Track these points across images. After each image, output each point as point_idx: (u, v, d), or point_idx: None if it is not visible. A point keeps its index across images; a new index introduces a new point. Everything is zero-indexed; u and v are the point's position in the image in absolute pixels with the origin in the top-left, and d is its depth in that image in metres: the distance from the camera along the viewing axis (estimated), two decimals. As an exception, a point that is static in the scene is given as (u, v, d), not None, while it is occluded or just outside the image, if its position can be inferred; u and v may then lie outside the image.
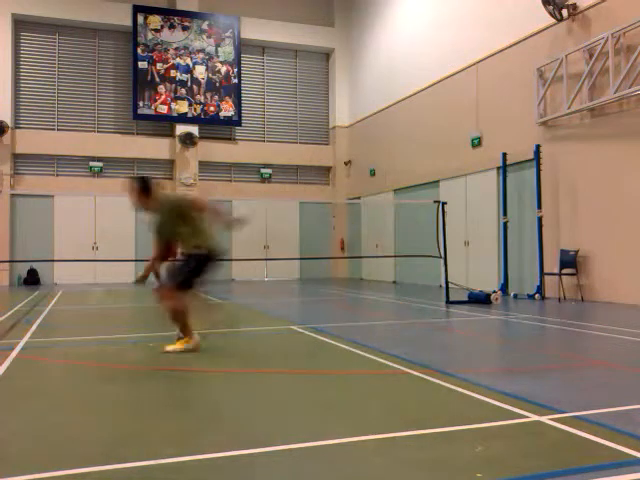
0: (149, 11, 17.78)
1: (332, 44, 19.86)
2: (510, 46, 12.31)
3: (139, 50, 17.68)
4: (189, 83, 18.19)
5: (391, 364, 4.80)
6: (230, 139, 19.08)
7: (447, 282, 10.27)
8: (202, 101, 18.26)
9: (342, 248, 19.71)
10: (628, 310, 8.95)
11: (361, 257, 18.39)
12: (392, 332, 7.17)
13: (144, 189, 5.33)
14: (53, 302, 10.89)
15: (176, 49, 18.10)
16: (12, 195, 16.39)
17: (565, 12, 10.75)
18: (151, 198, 5.34)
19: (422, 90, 15.43)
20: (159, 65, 17.88)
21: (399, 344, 5.97)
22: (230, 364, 5.11)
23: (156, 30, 17.87)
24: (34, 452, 2.79)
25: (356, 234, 19.05)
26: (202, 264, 5.30)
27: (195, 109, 18.17)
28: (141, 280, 5.56)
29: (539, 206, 11.19)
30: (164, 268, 5.52)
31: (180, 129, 17.96)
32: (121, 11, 17.56)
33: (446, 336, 6.85)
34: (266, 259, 18.66)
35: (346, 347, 5.66)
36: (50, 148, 17.20)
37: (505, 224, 11.88)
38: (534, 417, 3.23)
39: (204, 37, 18.37)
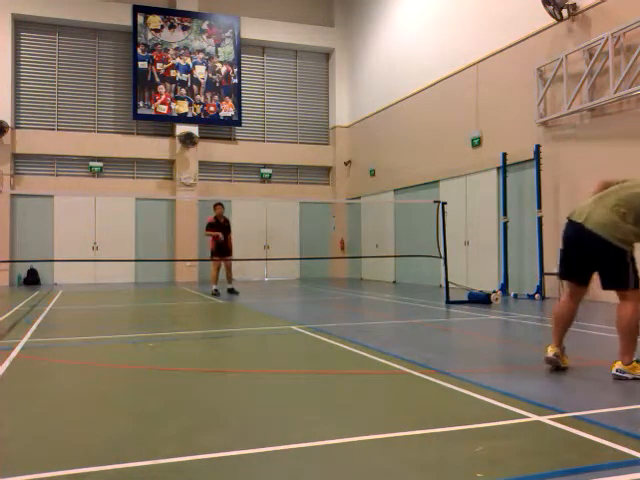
0: (149, 11, 17.78)
1: (332, 44, 19.86)
2: (510, 46, 12.31)
3: (139, 50, 17.68)
4: (189, 83, 18.19)
5: (391, 364, 4.80)
6: (230, 139, 19.08)
7: (447, 282, 10.27)
8: (202, 101, 18.26)
9: (342, 248, 19.71)
10: (628, 310, 8.93)
11: (361, 257, 18.39)
12: (392, 332, 7.17)
13: None
14: (53, 302, 10.89)
15: (176, 49, 18.10)
16: (12, 195, 16.39)
17: (565, 12, 10.75)
18: None
19: (422, 90, 15.43)
20: (159, 65, 17.88)
21: (399, 344, 5.96)
22: (230, 364, 5.12)
23: (156, 30, 17.86)
24: (34, 452, 2.79)
25: (356, 234, 19.05)
26: None
27: (195, 109, 18.17)
28: None
29: (539, 206, 11.19)
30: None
31: (180, 129, 17.96)
32: (121, 11, 17.57)
33: (446, 336, 6.85)
34: (266, 259, 18.67)
35: (346, 347, 5.66)
36: (50, 148, 17.20)
37: (505, 224, 11.88)
38: (534, 417, 3.23)
39: (204, 37, 18.37)
